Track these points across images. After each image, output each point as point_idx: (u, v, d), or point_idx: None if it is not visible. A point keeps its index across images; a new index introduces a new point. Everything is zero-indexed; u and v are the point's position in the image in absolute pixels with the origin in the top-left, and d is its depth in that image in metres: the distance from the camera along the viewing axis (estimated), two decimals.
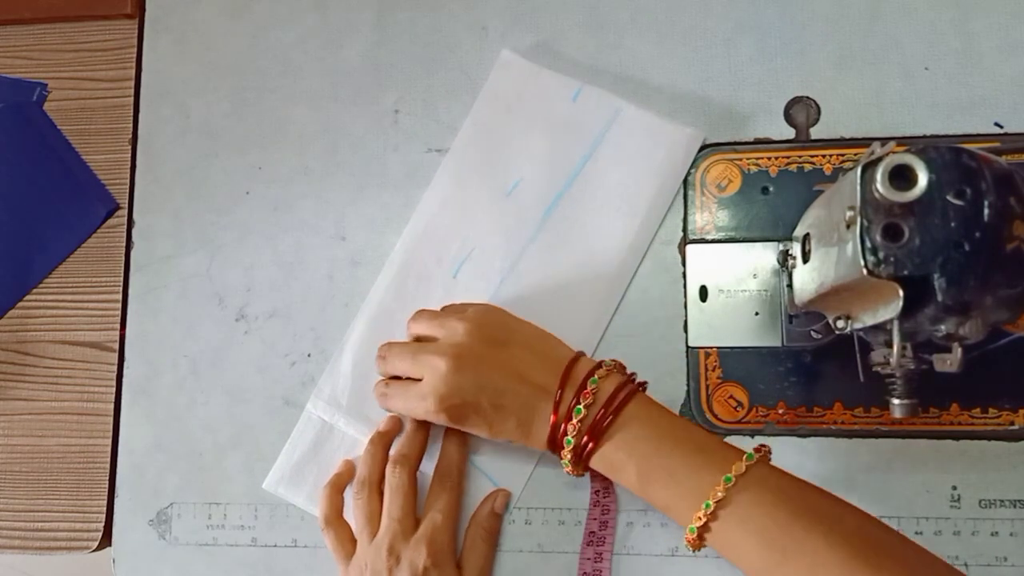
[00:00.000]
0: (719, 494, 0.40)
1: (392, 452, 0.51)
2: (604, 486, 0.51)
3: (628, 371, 0.47)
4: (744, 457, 0.42)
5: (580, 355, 0.48)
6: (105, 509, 0.56)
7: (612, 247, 0.53)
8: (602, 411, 0.44)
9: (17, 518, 0.57)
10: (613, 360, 0.47)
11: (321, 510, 0.52)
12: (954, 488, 0.49)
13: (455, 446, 0.52)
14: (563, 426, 0.45)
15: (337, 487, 0.53)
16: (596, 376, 0.45)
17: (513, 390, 0.46)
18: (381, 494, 0.50)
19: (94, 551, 0.56)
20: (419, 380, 0.48)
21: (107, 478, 0.56)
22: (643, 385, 0.46)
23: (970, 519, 0.48)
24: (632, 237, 0.53)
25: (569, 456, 0.45)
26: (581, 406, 0.44)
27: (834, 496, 0.42)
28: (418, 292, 0.55)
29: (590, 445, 0.44)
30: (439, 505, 0.50)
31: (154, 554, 0.55)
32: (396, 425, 0.53)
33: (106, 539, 0.56)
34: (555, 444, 0.45)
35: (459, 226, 0.55)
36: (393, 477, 0.50)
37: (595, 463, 0.45)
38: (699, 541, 0.42)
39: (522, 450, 0.51)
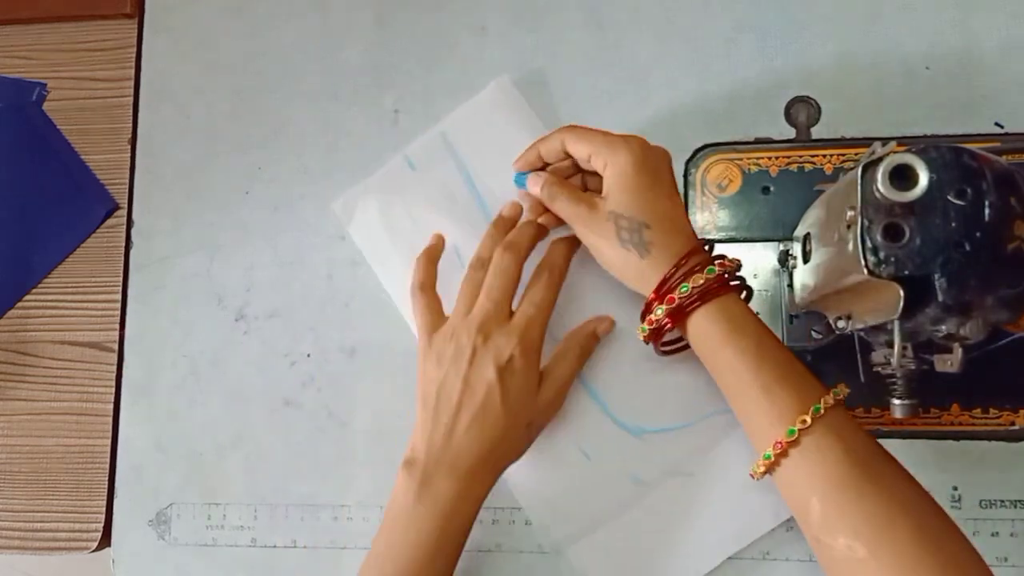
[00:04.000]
0: (807, 420, 0.40)
1: (506, 238, 0.51)
2: None
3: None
4: (832, 392, 0.41)
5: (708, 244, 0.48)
6: (104, 509, 0.56)
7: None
8: (696, 298, 0.43)
9: (17, 518, 0.57)
10: (735, 260, 0.46)
11: (416, 275, 0.52)
12: (955, 488, 0.49)
13: (564, 245, 0.51)
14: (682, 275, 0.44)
15: (431, 257, 0.53)
16: (714, 265, 0.44)
17: (677, 200, 0.47)
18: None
19: (94, 551, 0.56)
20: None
21: (106, 478, 0.56)
22: (749, 292, 0.46)
23: (970, 519, 0.48)
24: None
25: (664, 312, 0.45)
26: (688, 284, 0.44)
27: (899, 464, 0.41)
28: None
29: (668, 323, 0.44)
30: (536, 299, 0.49)
31: (154, 554, 0.55)
32: (518, 212, 0.53)
33: (105, 539, 0.56)
34: (661, 293, 0.45)
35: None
36: (500, 260, 0.49)
37: (693, 324, 0.44)
38: (777, 460, 0.41)
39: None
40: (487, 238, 0.52)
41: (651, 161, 0.47)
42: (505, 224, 0.52)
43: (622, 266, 0.46)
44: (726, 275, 0.44)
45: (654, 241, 0.45)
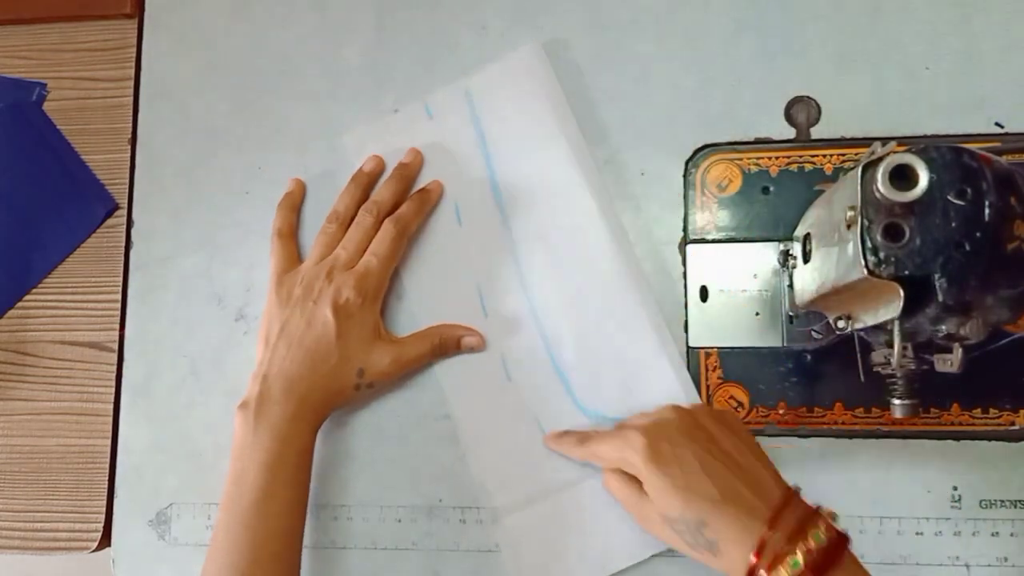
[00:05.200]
0: None
1: (371, 197, 0.53)
2: None
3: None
4: None
5: (796, 491, 0.42)
6: (104, 509, 0.56)
7: (577, 197, 0.53)
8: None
9: (17, 518, 0.57)
10: (828, 511, 0.41)
11: (275, 221, 0.55)
12: (955, 488, 0.49)
13: (418, 201, 0.53)
14: (765, 566, 0.39)
15: (291, 204, 0.56)
16: (819, 531, 0.39)
17: (726, 468, 0.42)
18: (347, 230, 0.53)
19: (94, 551, 0.56)
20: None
21: (106, 478, 0.56)
22: (847, 541, 0.40)
23: (971, 519, 0.48)
24: (576, 165, 0.53)
25: None
26: (798, 558, 0.38)
27: None
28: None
29: None
30: (379, 250, 0.51)
31: (153, 554, 0.55)
32: (379, 166, 0.55)
33: (105, 539, 0.56)
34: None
35: (455, 268, 0.54)
36: (361, 217, 0.52)
37: None
38: None
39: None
40: (346, 194, 0.54)
41: (668, 440, 0.43)
42: (364, 179, 0.54)
43: (707, 563, 0.42)
44: (818, 550, 0.38)
45: (718, 537, 0.40)
